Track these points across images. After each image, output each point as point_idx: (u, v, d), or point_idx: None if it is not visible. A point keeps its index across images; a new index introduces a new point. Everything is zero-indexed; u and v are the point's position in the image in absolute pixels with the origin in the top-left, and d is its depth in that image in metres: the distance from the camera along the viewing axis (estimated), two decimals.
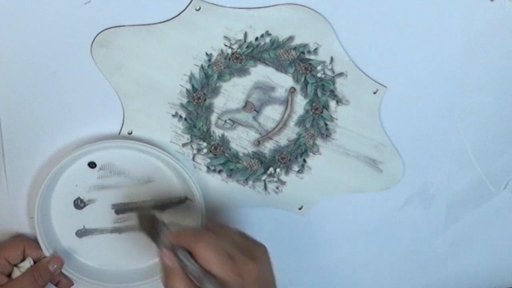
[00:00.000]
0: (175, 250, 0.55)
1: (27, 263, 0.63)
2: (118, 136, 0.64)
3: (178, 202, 0.67)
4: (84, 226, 0.67)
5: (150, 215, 0.60)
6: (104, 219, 0.67)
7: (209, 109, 0.64)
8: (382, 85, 0.64)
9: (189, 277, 0.54)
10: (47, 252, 0.64)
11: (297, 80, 0.63)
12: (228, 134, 0.65)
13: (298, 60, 0.63)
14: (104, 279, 0.67)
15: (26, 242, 0.64)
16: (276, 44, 0.62)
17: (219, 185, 0.67)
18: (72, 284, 0.66)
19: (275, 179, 0.67)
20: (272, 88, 0.64)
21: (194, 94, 0.63)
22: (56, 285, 0.66)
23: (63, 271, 0.65)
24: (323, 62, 0.63)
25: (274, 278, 0.58)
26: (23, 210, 0.65)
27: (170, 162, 0.64)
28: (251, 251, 0.57)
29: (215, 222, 0.61)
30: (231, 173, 0.66)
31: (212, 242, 0.56)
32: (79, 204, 0.66)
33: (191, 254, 0.55)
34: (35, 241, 0.64)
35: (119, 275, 0.68)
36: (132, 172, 0.65)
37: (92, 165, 0.64)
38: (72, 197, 0.65)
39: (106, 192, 0.66)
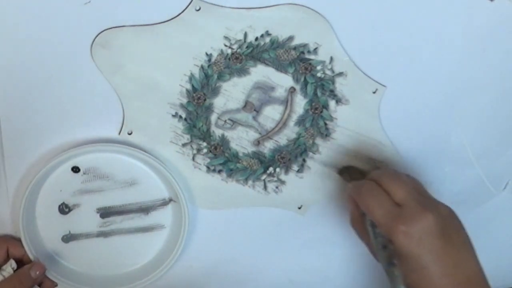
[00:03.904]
0: None
1: (9, 267, 0.63)
2: (104, 139, 0.64)
3: (162, 204, 0.67)
4: (69, 231, 0.67)
5: (350, 167, 0.65)
6: (89, 224, 0.67)
7: (209, 109, 0.64)
8: (382, 85, 0.64)
9: (363, 223, 0.57)
10: (32, 258, 0.64)
11: (297, 80, 0.63)
12: (228, 134, 0.65)
13: (298, 60, 0.63)
14: (90, 283, 0.67)
15: (9, 242, 0.65)
16: (276, 44, 0.62)
17: (219, 185, 0.67)
18: (56, 285, 0.66)
19: (275, 178, 0.67)
20: (272, 88, 0.64)
21: (194, 94, 0.63)
22: (39, 286, 0.66)
23: (49, 275, 0.65)
24: (322, 62, 0.63)
25: (465, 246, 0.55)
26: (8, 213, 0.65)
27: (154, 163, 0.64)
28: (429, 203, 0.55)
29: (391, 172, 0.59)
30: (231, 173, 0.67)
31: (372, 189, 0.56)
32: (64, 209, 0.66)
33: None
34: (19, 240, 0.64)
35: (105, 279, 0.68)
36: (115, 175, 0.65)
37: (75, 169, 0.65)
38: (56, 203, 0.66)
39: (91, 196, 0.66)
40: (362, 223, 0.59)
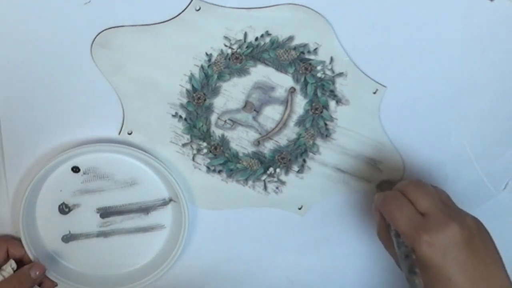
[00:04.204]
0: None
1: (9, 267, 0.63)
2: (104, 139, 0.64)
3: (162, 204, 0.67)
4: (69, 231, 0.67)
5: (387, 181, 0.65)
6: (90, 224, 0.67)
7: (209, 109, 0.64)
8: (382, 85, 0.63)
9: (389, 233, 0.57)
10: (32, 258, 0.64)
11: (297, 80, 0.63)
12: (228, 134, 0.65)
13: (298, 60, 0.63)
14: (90, 283, 0.67)
15: (9, 242, 0.65)
16: (276, 44, 0.62)
17: (219, 185, 0.67)
18: (56, 285, 0.66)
19: (275, 179, 0.67)
20: (272, 88, 0.64)
21: (194, 94, 0.63)
22: (39, 285, 0.66)
23: (49, 275, 0.65)
24: (323, 62, 0.63)
25: (494, 260, 0.54)
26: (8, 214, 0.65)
27: (154, 163, 0.64)
28: (455, 214, 0.54)
29: (416, 182, 0.58)
30: (231, 173, 0.67)
31: (396, 198, 0.56)
32: (64, 209, 0.66)
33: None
34: (19, 240, 0.64)
35: (105, 280, 0.68)
36: (115, 175, 0.65)
37: (75, 169, 0.65)
38: (56, 203, 0.66)
39: (91, 196, 0.66)
40: (388, 234, 0.59)
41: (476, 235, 0.54)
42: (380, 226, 0.60)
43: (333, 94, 0.64)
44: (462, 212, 0.56)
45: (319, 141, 0.66)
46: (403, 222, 0.54)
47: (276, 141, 0.66)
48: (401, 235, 0.55)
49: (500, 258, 0.55)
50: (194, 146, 0.65)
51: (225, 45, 0.62)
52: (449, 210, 0.55)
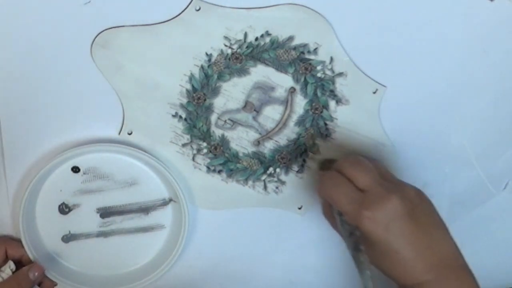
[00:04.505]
0: None
1: (8, 269, 0.63)
2: (104, 139, 0.64)
3: (162, 204, 0.67)
4: (69, 231, 0.67)
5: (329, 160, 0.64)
6: (90, 224, 0.67)
7: (209, 109, 0.64)
8: (382, 85, 0.64)
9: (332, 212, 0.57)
10: (32, 258, 0.64)
11: (297, 80, 0.63)
12: (228, 134, 0.65)
13: (298, 60, 0.63)
14: (90, 283, 0.67)
15: (7, 243, 0.64)
16: (276, 44, 0.62)
17: (219, 185, 0.67)
18: (56, 285, 0.66)
19: (275, 179, 0.67)
20: (272, 88, 0.64)
21: (194, 94, 0.63)
22: (39, 285, 0.65)
23: (49, 275, 0.65)
24: (322, 62, 0.63)
25: (436, 226, 0.53)
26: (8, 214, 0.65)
27: (154, 163, 0.64)
28: (394, 187, 0.54)
29: (352, 159, 0.57)
30: (231, 173, 0.67)
31: (333, 177, 0.55)
32: (64, 209, 0.66)
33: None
34: (17, 240, 0.64)
35: (105, 280, 0.68)
36: (115, 175, 0.65)
37: (75, 169, 0.65)
38: (56, 203, 0.66)
39: (91, 196, 0.66)
40: (331, 213, 0.58)
41: (419, 205, 0.54)
42: (324, 206, 0.60)
43: (333, 94, 0.64)
44: (402, 184, 0.55)
45: (319, 141, 0.66)
46: (343, 202, 0.53)
47: (276, 141, 0.66)
48: (343, 214, 0.54)
49: (445, 225, 0.54)
50: (194, 146, 0.65)
51: (225, 45, 0.62)
52: (389, 183, 0.54)
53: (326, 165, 0.65)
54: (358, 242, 0.53)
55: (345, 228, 0.55)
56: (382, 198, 0.52)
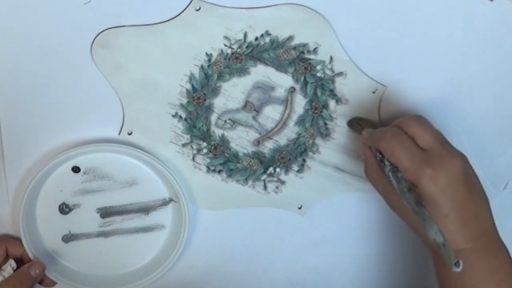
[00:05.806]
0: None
1: (9, 267, 0.63)
2: (104, 139, 0.64)
3: (162, 204, 0.67)
4: (70, 231, 0.67)
5: (358, 118, 0.63)
6: (90, 224, 0.67)
7: (209, 109, 0.64)
8: (382, 85, 0.64)
9: (380, 170, 0.56)
10: (33, 258, 0.64)
11: (296, 80, 0.63)
12: (228, 134, 0.65)
13: (297, 60, 0.63)
14: (90, 283, 0.67)
15: (8, 242, 0.64)
16: (276, 44, 0.62)
17: (219, 185, 0.67)
18: (56, 283, 0.66)
19: (275, 178, 0.67)
20: (272, 88, 0.64)
21: (194, 94, 0.63)
22: (40, 283, 0.66)
23: (49, 275, 0.65)
24: (322, 62, 0.63)
25: (476, 192, 0.53)
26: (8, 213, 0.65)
27: (154, 163, 0.64)
28: (454, 150, 0.54)
29: (416, 118, 0.57)
30: (231, 173, 0.67)
31: (396, 133, 0.54)
32: (64, 209, 0.66)
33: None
34: (17, 239, 0.64)
35: (105, 280, 0.68)
36: (116, 175, 0.65)
37: (76, 169, 0.65)
38: (57, 203, 0.66)
39: (91, 196, 0.66)
40: (378, 171, 0.57)
41: (472, 173, 0.54)
42: (369, 163, 0.58)
43: (332, 94, 0.64)
44: (458, 151, 0.55)
45: (319, 141, 0.66)
46: (405, 157, 0.53)
47: (276, 141, 0.66)
48: (403, 171, 0.53)
49: (488, 199, 0.55)
50: (194, 146, 0.65)
51: (225, 45, 0.62)
52: (450, 146, 0.54)
53: (355, 124, 0.64)
54: (420, 197, 0.52)
55: (403, 184, 0.53)
56: (445, 158, 0.52)
